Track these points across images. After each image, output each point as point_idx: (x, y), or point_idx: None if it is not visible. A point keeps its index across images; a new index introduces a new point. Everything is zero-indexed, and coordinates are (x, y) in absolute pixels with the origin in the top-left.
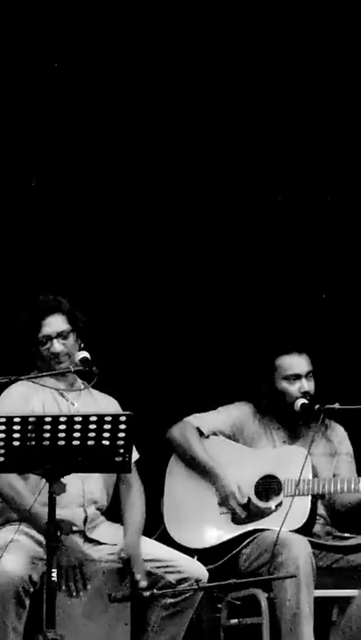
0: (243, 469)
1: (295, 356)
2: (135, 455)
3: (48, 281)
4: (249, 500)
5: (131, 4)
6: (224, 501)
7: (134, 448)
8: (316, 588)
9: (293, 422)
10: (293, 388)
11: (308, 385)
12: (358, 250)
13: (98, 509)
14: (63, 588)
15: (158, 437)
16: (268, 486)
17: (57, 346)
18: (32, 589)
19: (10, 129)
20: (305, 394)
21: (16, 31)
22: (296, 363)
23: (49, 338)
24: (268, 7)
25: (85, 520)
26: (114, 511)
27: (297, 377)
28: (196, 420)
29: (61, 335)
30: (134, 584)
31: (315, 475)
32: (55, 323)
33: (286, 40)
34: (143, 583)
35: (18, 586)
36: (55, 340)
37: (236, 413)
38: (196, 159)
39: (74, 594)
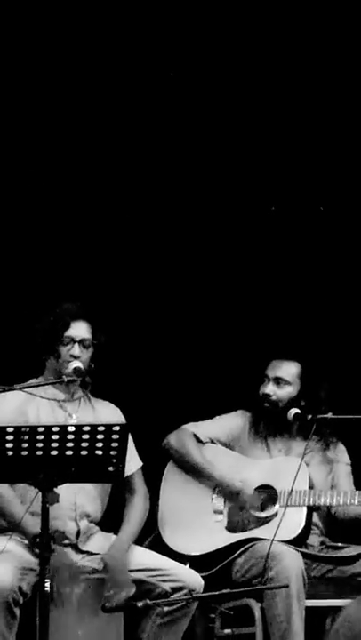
0: (240, 478)
1: (282, 361)
2: (138, 463)
3: (52, 290)
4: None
5: (130, 4)
6: (230, 501)
7: (137, 455)
8: (309, 597)
9: (289, 432)
10: (262, 388)
11: (271, 388)
12: (350, 260)
13: (91, 522)
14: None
15: (155, 445)
16: (265, 496)
17: (77, 349)
18: (22, 600)
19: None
20: (265, 395)
21: (17, 33)
22: (276, 366)
23: (72, 340)
24: (265, 11)
25: (78, 533)
26: (110, 521)
27: (268, 379)
28: (193, 427)
29: (83, 343)
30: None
31: (311, 486)
32: (82, 329)
33: (278, 52)
34: (113, 599)
35: (7, 596)
36: (77, 344)
37: (233, 422)
38: (193, 168)
39: (68, 596)
